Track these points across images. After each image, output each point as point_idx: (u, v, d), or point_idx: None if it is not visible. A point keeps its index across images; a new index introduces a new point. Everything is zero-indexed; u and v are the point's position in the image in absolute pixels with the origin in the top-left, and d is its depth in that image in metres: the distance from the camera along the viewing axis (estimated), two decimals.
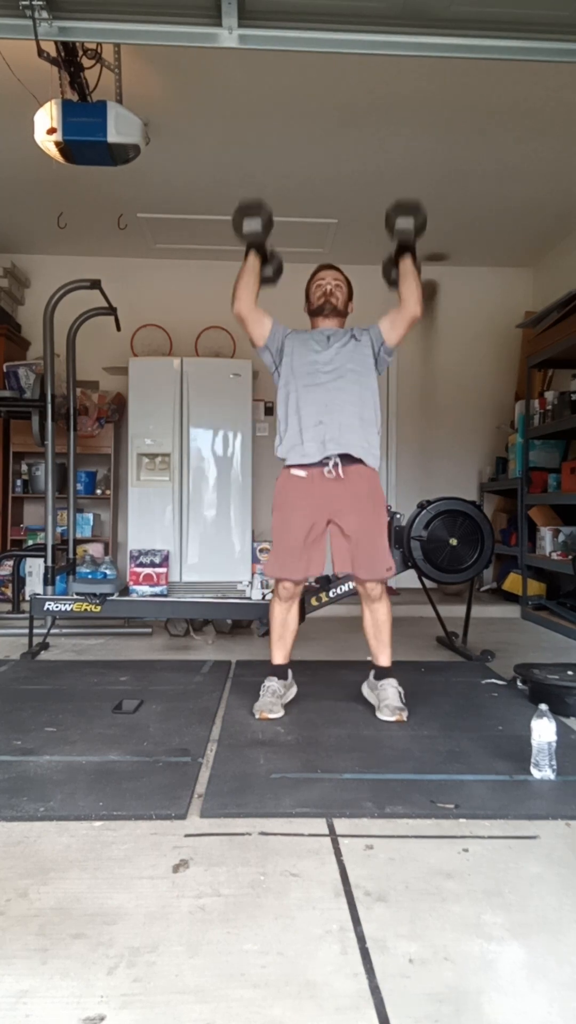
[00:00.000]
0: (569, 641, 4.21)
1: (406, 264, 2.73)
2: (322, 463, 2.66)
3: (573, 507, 4.76)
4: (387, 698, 2.61)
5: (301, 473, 2.69)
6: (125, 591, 4.21)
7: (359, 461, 2.67)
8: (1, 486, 5.46)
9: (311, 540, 2.67)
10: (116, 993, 1.16)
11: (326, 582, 3.52)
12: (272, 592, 2.81)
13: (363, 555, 2.65)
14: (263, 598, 3.81)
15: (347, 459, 2.66)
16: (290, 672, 2.79)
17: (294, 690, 2.75)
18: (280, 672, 2.75)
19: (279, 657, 2.78)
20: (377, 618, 2.73)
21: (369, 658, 2.77)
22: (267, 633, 2.92)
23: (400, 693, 2.64)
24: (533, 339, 5.24)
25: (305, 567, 2.67)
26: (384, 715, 2.55)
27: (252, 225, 2.69)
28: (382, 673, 2.72)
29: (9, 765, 2.10)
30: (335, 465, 2.64)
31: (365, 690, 2.73)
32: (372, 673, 2.75)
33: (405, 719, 2.54)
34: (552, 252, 5.70)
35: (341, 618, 4.42)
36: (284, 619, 2.78)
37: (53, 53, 2.89)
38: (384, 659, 2.73)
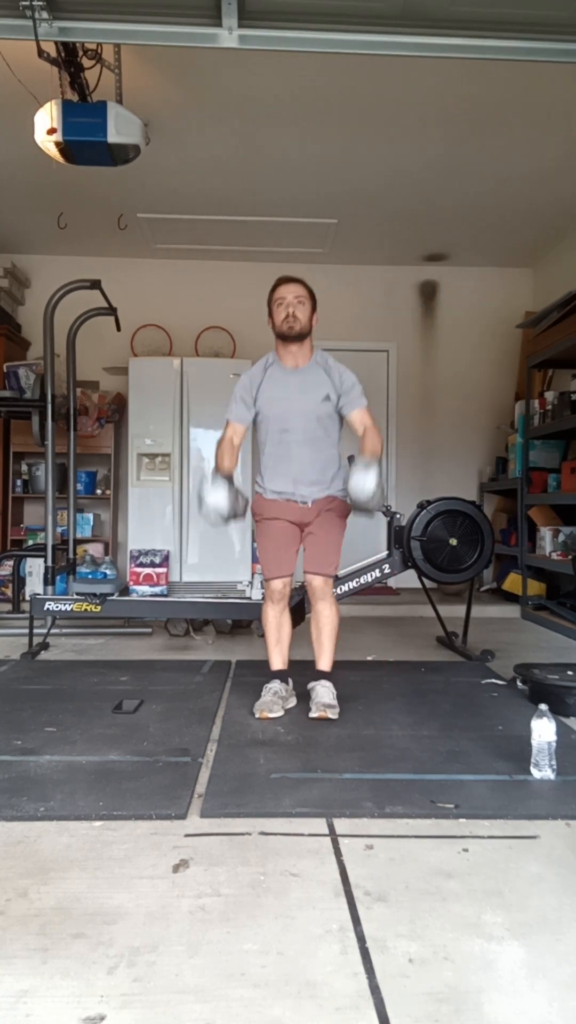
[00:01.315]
0: (569, 641, 4.21)
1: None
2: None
3: (573, 507, 4.76)
4: (318, 696, 2.62)
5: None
6: (125, 591, 4.22)
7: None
8: (1, 486, 5.46)
9: (292, 539, 2.74)
10: (116, 993, 1.17)
11: None
12: (263, 597, 2.81)
13: (316, 548, 2.72)
14: (263, 598, 3.81)
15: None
16: (291, 680, 2.77)
17: (294, 700, 2.73)
18: (281, 677, 2.75)
19: (278, 662, 2.78)
20: (319, 619, 2.76)
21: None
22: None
23: (333, 693, 2.65)
24: (533, 339, 5.24)
25: (291, 562, 2.74)
26: (312, 712, 2.55)
27: (216, 518, 2.62)
28: (318, 675, 2.72)
29: (9, 765, 2.10)
30: (306, 498, 2.72)
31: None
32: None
33: (332, 716, 2.53)
34: (552, 252, 5.70)
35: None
36: (278, 622, 2.78)
37: (53, 53, 2.89)
38: (323, 663, 2.74)
